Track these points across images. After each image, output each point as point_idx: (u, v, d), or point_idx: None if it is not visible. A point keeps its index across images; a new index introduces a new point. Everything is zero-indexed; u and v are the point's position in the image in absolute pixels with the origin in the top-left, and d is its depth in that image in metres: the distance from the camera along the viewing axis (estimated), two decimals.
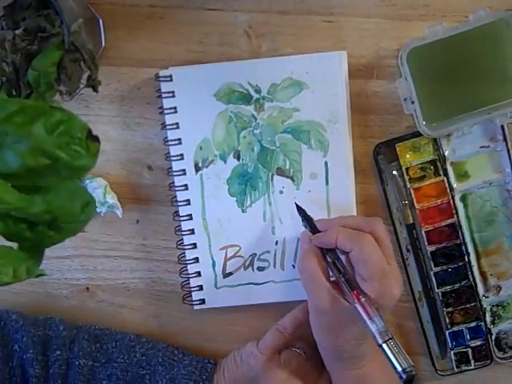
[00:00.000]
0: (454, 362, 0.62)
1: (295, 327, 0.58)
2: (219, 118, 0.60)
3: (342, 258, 0.54)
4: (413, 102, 0.57)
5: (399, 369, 0.47)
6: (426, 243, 0.61)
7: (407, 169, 0.61)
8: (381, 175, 0.61)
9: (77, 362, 0.58)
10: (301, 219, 0.59)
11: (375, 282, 0.51)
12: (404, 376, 0.47)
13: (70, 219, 0.38)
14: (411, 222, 0.62)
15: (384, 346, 0.48)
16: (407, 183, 0.61)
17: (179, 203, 0.61)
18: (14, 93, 0.50)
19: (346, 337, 0.53)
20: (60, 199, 0.37)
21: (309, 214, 0.58)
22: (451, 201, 0.61)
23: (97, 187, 0.60)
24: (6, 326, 0.58)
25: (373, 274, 0.51)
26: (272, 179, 0.61)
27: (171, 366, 0.60)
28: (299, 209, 0.59)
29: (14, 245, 0.37)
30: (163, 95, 0.60)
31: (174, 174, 0.61)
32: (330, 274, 0.55)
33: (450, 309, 0.62)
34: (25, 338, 0.57)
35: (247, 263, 0.62)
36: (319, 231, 0.56)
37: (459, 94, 0.58)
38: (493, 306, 0.63)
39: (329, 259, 0.54)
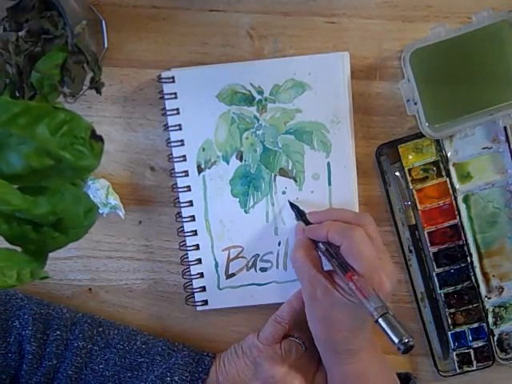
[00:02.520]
0: (456, 362, 0.63)
1: (292, 316, 0.59)
2: (222, 119, 0.60)
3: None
4: (415, 103, 0.57)
5: (396, 340, 0.45)
6: (429, 244, 0.61)
7: (410, 170, 0.61)
8: (383, 176, 0.61)
9: (75, 344, 0.58)
10: (294, 215, 0.60)
11: (365, 275, 0.50)
12: (401, 347, 0.45)
13: (74, 224, 0.38)
14: (414, 223, 0.62)
15: (380, 320, 0.47)
16: (410, 184, 0.61)
17: (182, 204, 0.61)
18: (17, 95, 0.50)
19: (338, 328, 0.53)
20: (64, 203, 0.37)
21: (302, 209, 0.59)
22: (453, 202, 0.61)
23: (99, 188, 0.60)
24: (11, 301, 0.59)
25: (362, 268, 0.51)
26: (275, 180, 0.61)
27: (169, 356, 0.60)
28: (292, 205, 0.60)
29: (18, 248, 0.37)
30: (165, 96, 0.60)
31: (177, 175, 0.61)
32: (324, 265, 0.55)
33: (453, 310, 0.62)
34: (26, 316, 0.58)
35: (250, 264, 0.62)
36: (311, 224, 0.57)
37: (462, 95, 0.58)
38: (495, 307, 0.63)
39: (321, 247, 0.55)
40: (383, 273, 0.51)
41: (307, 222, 0.58)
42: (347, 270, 0.51)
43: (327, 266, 0.55)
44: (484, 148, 0.61)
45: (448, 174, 0.61)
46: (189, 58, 0.60)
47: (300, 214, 0.59)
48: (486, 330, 0.62)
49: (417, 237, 0.62)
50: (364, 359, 0.55)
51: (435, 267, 0.62)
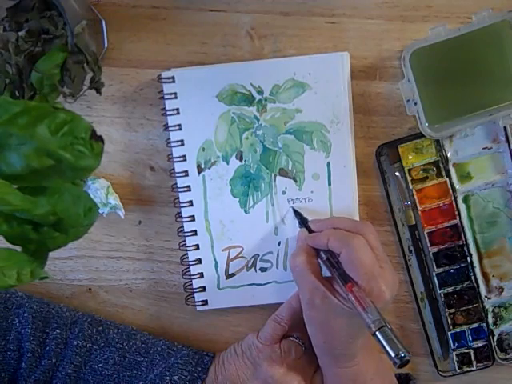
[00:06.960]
0: (455, 363, 0.63)
1: (291, 316, 0.59)
2: (222, 119, 0.60)
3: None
4: (415, 104, 0.57)
5: (392, 355, 0.46)
6: (429, 244, 0.61)
7: (410, 170, 0.61)
8: (383, 176, 0.61)
9: (75, 343, 0.58)
10: (297, 222, 0.60)
11: (363, 283, 0.51)
12: (397, 361, 0.46)
13: (74, 223, 0.38)
14: (413, 223, 0.62)
15: (377, 333, 0.47)
16: (409, 184, 0.61)
17: (182, 204, 0.61)
18: (17, 95, 0.50)
19: (335, 333, 0.54)
20: (64, 203, 0.37)
21: (305, 216, 0.60)
22: (453, 202, 0.61)
23: (99, 188, 0.60)
24: (11, 299, 0.59)
25: (360, 276, 0.51)
26: (274, 180, 0.61)
27: (169, 356, 0.60)
28: (296, 212, 0.60)
29: (18, 248, 0.37)
30: (165, 96, 0.60)
31: (177, 175, 0.61)
32: (324, 272, 0.55)
33: (452, 310, 0.62)
34: (26, 314, 0.58)
35: (250, 264, 0.62)
36: (314, 231, 0.57)
37: (462, 95, 0.58)
38: (495, 307, 0.63)
39: (323, 256, 0.55)
40: (382, 281, 0.51)
41: (310, 230, 0.58)
42: (347, 281, 0.51)
43: (326, 274, 0.55)
44: (484, 148, 0.61)
45: (448, 174, 0.61)
46: (189, 57, 0.61)
47: (303, 222, 0.59)
48: (486, 330, 0.62)
49: (417, 237, 0.62)
50: (361, 362, 0.56)
51: (435, 267, 0.62)
